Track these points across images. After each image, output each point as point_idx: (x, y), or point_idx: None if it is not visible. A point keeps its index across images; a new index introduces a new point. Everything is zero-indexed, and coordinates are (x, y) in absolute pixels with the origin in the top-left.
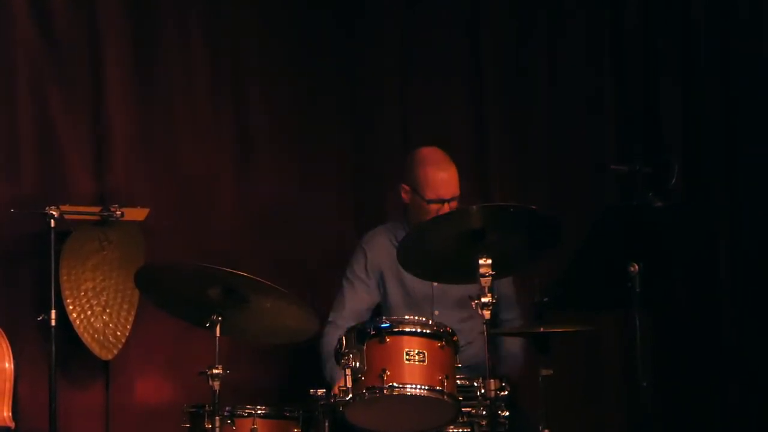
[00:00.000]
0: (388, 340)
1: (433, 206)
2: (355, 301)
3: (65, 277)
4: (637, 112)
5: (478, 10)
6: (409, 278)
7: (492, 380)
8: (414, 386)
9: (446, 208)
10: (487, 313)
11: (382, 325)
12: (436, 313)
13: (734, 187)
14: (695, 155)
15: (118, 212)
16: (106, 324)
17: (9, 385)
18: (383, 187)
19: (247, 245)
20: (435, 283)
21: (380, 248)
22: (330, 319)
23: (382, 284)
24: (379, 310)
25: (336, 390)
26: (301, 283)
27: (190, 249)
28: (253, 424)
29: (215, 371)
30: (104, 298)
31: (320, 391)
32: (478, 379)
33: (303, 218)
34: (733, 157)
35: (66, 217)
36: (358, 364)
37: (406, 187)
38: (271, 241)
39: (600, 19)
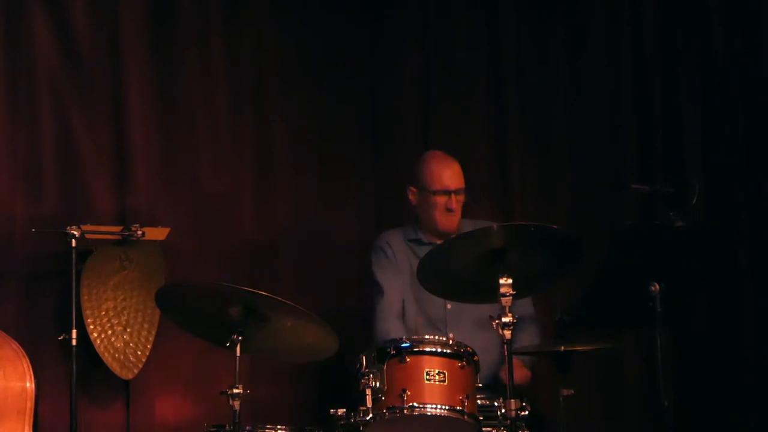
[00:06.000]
0: (408, 359)
1: (440, 198)
2: (393, 288)
3: (86, 297)
4: (658, 131)
5: (497, 24)
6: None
7: (513, 400)
8: (434, 406)
9: (453, 200)
10: (507, 333)
11: (403, 345)
12: (449, 306)
13: (755, 207)
14: (716, 174)
15: (139, 232)
16: (126, 344)
17: (30, 405)
18: (404, 203)
19: (268, 264)
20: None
21: (395, 245)
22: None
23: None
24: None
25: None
26: (322, 301)
27: (210, 268)
28: None
29: (235, 391)
30: (125, 318)
31: (340, 411)
32: (499, 399)
33: (324, 236)
34: (755, 177)
35: (87, 236)
36: (378, 383)
37: (413, 189)
38: (292, 259)
39: (619, 37)
